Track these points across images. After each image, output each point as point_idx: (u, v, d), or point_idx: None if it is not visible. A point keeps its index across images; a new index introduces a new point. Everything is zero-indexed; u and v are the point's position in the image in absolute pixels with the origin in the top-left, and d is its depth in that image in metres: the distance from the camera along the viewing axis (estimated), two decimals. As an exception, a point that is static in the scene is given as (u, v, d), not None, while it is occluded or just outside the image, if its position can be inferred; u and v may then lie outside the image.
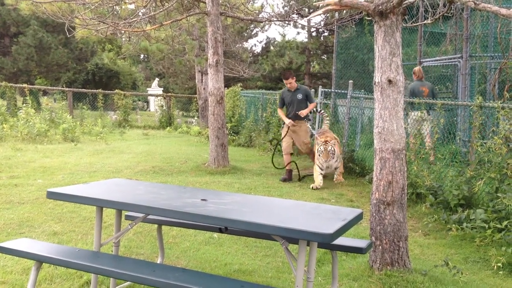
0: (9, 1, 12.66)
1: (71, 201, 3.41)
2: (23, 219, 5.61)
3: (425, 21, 5.58)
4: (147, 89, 36.26)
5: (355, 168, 8.88)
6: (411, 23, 7.68)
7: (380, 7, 4.03)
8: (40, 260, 3.24)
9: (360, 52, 14.64)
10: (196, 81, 20.71)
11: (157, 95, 25.42)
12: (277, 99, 12.60)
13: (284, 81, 8.87)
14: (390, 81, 4.08)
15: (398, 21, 4.09)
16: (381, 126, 4.12)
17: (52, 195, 3.40)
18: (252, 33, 29.23)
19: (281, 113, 9.30)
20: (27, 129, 13.20)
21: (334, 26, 13.96)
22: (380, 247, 4.14)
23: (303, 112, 8.65)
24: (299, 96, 8.79)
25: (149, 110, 32.38)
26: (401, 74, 4.14)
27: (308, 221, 2.88)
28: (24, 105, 15.93)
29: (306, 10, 23.60)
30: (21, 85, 20.10)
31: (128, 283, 3.81)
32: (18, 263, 4.20)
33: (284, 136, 8.98)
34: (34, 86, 23.76)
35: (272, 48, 30.55)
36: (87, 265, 3.08)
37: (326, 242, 2.70)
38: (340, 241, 3.47)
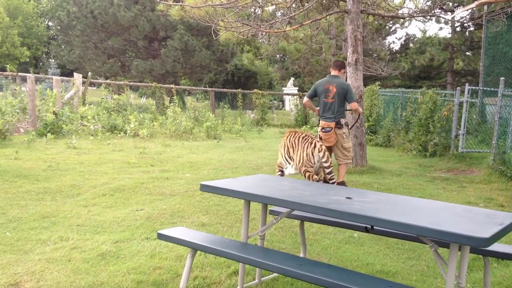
0: (160, 7, 13.67)
1: (221, 193, 3.59)
2: (174, 210, 6.04)
3: None
4: (283, 88, 36.95)
5: (507, 172, 8.26)
6: None
7: (543, -3, 3.72)
8: (195, 248, 3.48)
9: (510, 47, 13.56)
10: (333, 80, 20.65)
11: (293, 94, 25.83)
12: (420, 97, 12.14)
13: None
14: (553, 77, 3.75)
15: None
16: (542, 126, 3.80)
17: (205, 188, 3.62)
18: (391, 30, 28.43)
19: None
20: (175, 126, 14.17)
21: (482, 20, 13.08)
22: (539, 256, 3.82)
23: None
24: None
25: (284, 109, 32.97)
26: None
27: (460, 224, 2.75)
28: (172, 104, 17.13)
29: (450, 4, 22.38)
30: (168, 86, 21.64)
31: (274, 274, 3.95)
32: (172, 250, 4.53)
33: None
34: (180, 86, 25.43)
35: (411, 45, 29.45)
36: (237, 255, 3.25)
37: (481, 247, 2.56)
38: (493, 247, 3.28)
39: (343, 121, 7.35)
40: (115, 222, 5.43)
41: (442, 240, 2.64)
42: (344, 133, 7.34)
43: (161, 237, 3.64)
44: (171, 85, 21.36)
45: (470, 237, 2.46)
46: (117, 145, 11.47)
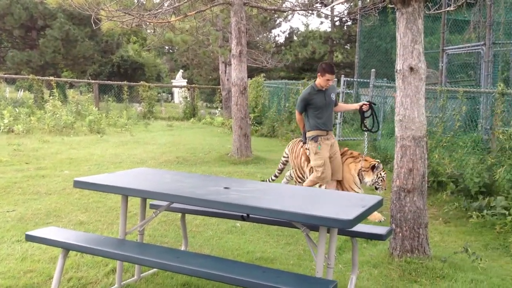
0: (37, -6, 12.88)
1: (97, 190, 3.49)
2: (50, 209, 5.76)
3: (448, 8, 5.52)
4: (172, 80, 36.50)
5: (377, 157, 8.86)
6: (434, 10, 7.60)
7: (402, -6, 4.02)
8: (67, 248, 3.34)
9: (383, 41, 14.53)
10: (220, 72, 20.77)
11: (181, 87, 25.62)
12: (301, 88, 12.49)
13: (329, 76, 5.88)
14: (411, 69, 4.09)
15: (420, 8, 4.10)
16: (402, 113, 4.14)
17: (79, 184, 3.49)
18: (276, 24, 29.07)
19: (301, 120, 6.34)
20: (54, 121, 13.45)
21: (357, 15, 13.85)
22: (400, 234, 4.16)
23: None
24: (333, 96, 6.17)
25: (173, 102, 32.61)
26: (423, 61, 4.14)
27: (328, 208, 2.92)
28: (51, 97, 16.21)
29: (329, -1, 23.41)
30: (48, 78, 20.42)
31: (154, 270, 3.91)
32: (46, 252, 4.32)
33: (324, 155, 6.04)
34: (61, 78, 24.14)
35: (295, 38, 30.37)
36: (112, 252, 3.17)
37: (345, 228, 2.74)
38: (361, 228, 3.51)
39: (308, 134, 6.14)
40: (-17, 226, 5.07)
41: (311, 223, 2.79)
42: (307, 148, 6.25)
43: (29, 238, 3.45)
44: (51, 77, 20.19)
45: (335, 219, 2.62)
46: (-11, 142, 10.67)
